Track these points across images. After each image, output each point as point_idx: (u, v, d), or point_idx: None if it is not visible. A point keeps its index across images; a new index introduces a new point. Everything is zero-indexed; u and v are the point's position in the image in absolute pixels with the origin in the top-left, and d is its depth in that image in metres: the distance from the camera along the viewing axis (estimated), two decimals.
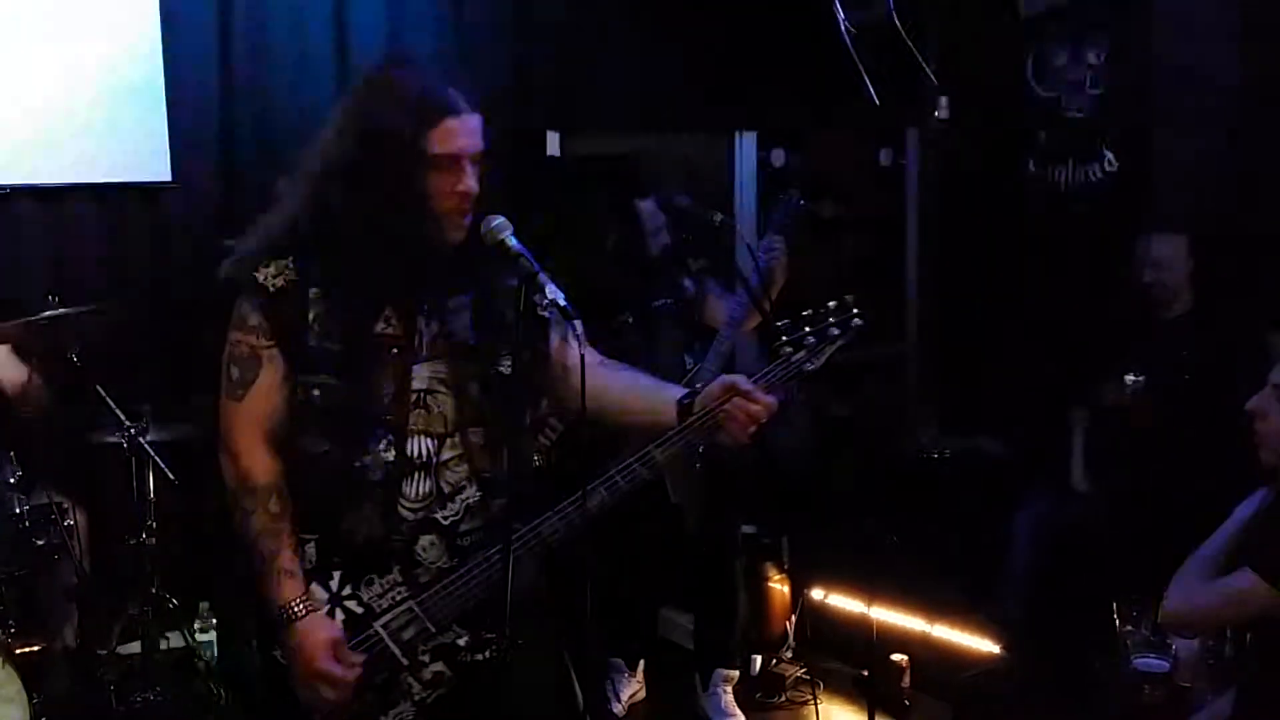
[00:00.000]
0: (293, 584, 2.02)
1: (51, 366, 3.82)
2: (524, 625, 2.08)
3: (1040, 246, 5.00)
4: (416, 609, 2.06)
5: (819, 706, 3.84)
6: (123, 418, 3.65)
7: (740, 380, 2.05)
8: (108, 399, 3.63)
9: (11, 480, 3.49)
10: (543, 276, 1.95)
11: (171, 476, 3.65)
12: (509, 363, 2.08)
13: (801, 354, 2.03)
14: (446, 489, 2.06)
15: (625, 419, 2.22)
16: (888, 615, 4.08)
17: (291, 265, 2.02)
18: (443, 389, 2.07)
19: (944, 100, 5.32)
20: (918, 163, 5.63)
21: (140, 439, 3.66)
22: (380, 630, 2.06)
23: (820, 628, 4.31)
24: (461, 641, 2.10)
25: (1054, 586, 3.88)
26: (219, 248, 4.34)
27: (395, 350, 2.05)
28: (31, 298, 3.86)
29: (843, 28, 4.93)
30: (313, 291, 2.02)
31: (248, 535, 2.04)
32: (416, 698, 2.09)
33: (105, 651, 3.90)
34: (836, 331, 2.02)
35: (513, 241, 2.00)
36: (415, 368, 2.06)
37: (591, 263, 3.69)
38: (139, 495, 3.79)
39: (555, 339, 2.19)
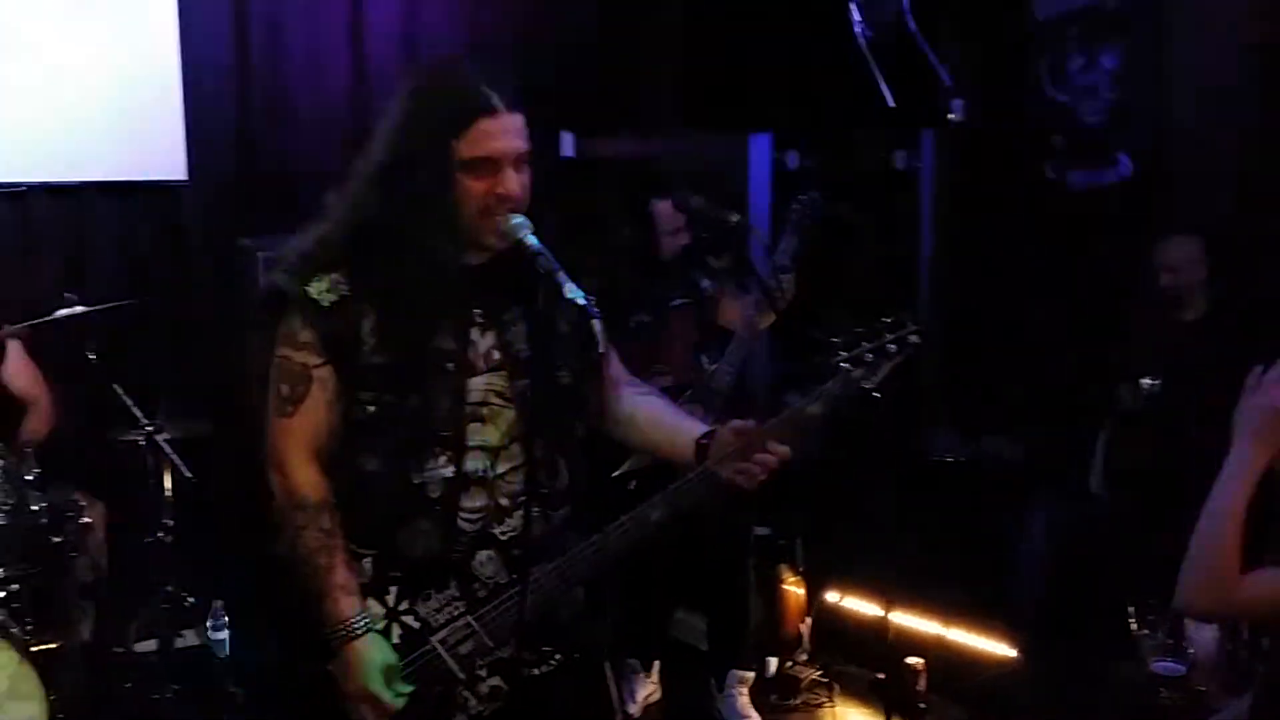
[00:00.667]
0: (349, 601, 1.99)
1: (68, 364, 3.84)
2: (575, 642, 2.10)
3: (1054, 251, 4.99)
4: (474, 624, 2.04)
5: (846, 710, 3.83)
6: (139, 416, 3.66)
7: (751, 426, 2.04)
8: (124, 396, 3.64)
9: (29, 477, 3.49)
10: (561, 275, 1.92)
11: (188, 474, 3.66)
12: (567, 373, 2.06)
13: (860, 371, 2.01)
14: (505, 503, 2.04)
15: (646, 448, 2.24)
16: (903, 618, 4.07)
17: (343, 279, 1.98)
18: (499, 401, 2.04)
19: (958, 103, 5.31)
20: (933, 166, 5.61)
21: (157, 436, 3.66)
22: (437, 645, 2.04)
23: (835, 630, 4.30)
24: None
25: (1069, 590, 3.87)
26: (233, 247, 4.44)
27: (450, 365, 2.01)
28: (47, 295, 3.88)
29: (857, 30, 4.95)
30: (365, 307, 1.98)
31: (299, 552, 2.02)
32: (473, 712, 2.07)
33: (121, 650, 3.91)
34: (894, 348, 2.00)
35: (531, 240, 1.96)
36: (471, 380, 2.02)
37: (607, 263, 3.70)
38: (155, 493, 3.78)
39: (605, 357, 2.15)
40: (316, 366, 2.00)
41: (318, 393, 2.01)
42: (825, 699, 4.01)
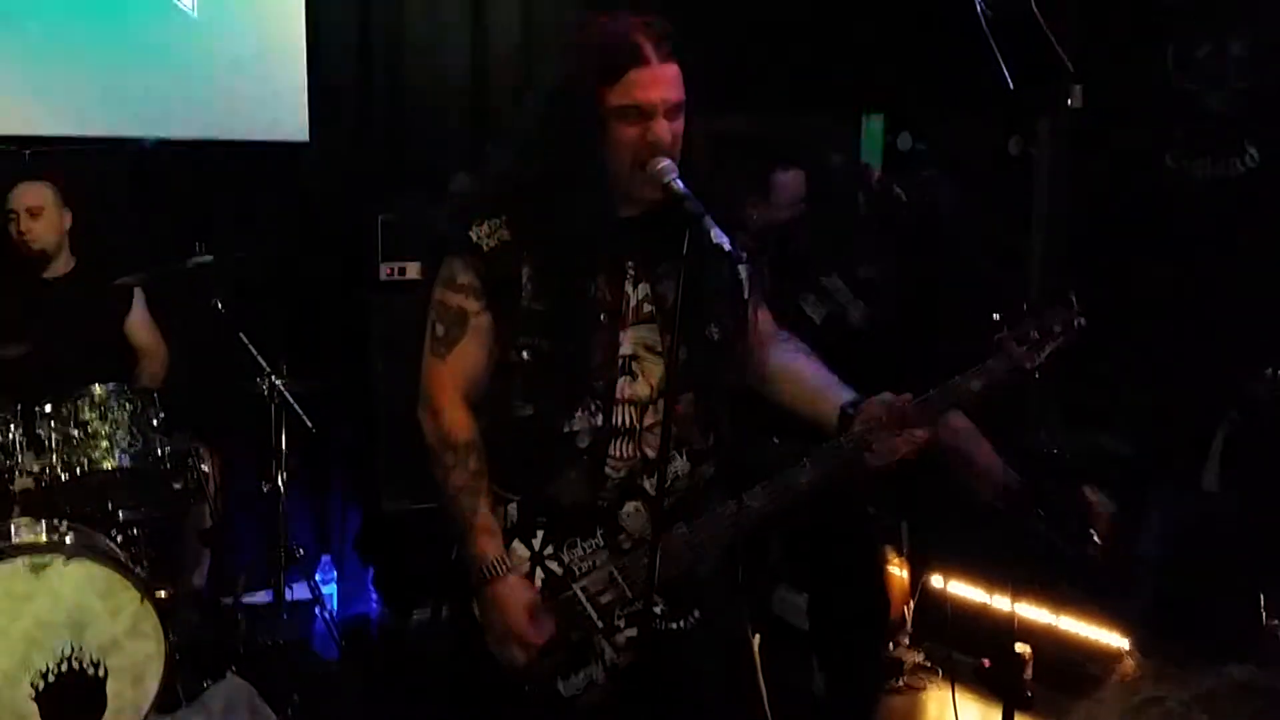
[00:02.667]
0: (492, 542, 2.02)
1: (192, 315, 3.92)
2: (716, 600, 2.10)
3: (1175, 240, 4.86)
4: (616, 574, 2.05)
5: (949, 694, 3.77)
6: (265, 366, 3.72)
7: (904, 404, 2.01)
8: (250, 347, 3.70)
9: (155, 422, 3.57)
10: (708, 220, 1.89)
11: (310, 424, 3.71)
12: (717, 329, 2.05)
13: (1023, 350, 1.99)
14: (652, 455, 2.02)
15: (790, 407, 2.21)
16: (1009, 605, 4.00)
17: (504, 225, 2.00)
18: (649, 355, 2.04)
19: (1078, 89, 5.19)
20: (1049, 152, 5.49)
21: (280, 386, 3.72)
22: (579, 592, 2.05)
23: (939, 614, 4.24)
24: (658, 609, 2.06)
25: (1187, 584, 3.77)
26: (352, 207, 4.50)
27: (604, 316, 2.02)
28: (169, 249, 3.97)
29: (979, 9, 4.86)
30: (525, 253, 2.00)
31: (446, 491, 2.04)
32: (608, 662, 2.08)
33: (231, 599, 3.99)
34: (1059, 330, 1.98)
35: (678, 184, 1.95)
36: (622, 333, 2.03)
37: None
38: (274, 443, 3.84)
39: (753, 308, 2.12)
40: (474, 309, 2.02)
41: (474, 335, 2.03)
42: (928, 682, 3.96)
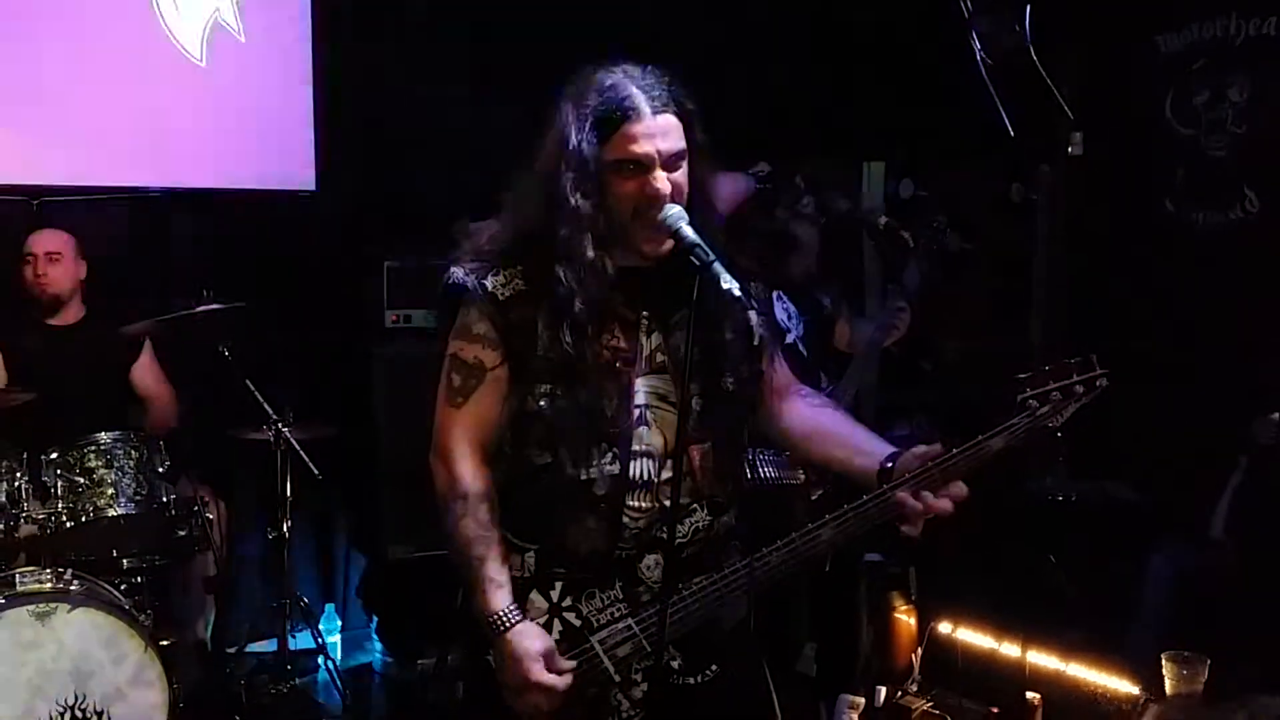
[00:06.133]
0: (501, 594, 1.99)
1: (199, 362, 3.93)
2: (736, 654, 2.07)
3: (1177, 285, 4.88)
4: (635, 628, 2.02)
5: None
6: (271, 413, 3.72)
7: (937, 451, 1.99)
8: (256, 393, 3.71)
9: (160, 469, 3.56)
10: (718, 266, 1.89)
11: (316, 472, 3.71)
12: (732, 379, 2.04)
13: (1046, 409, 1.98)
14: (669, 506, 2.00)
15: (827, 465, 2.20)
16: (1018, 652, 3.97)
17: (520, 274, 2.01)
18: (663, 405, 2.03)
19: (1078, 136, 5.23)
20: (1049, 198, 5.52)
21: (287, 434, 3.72)
22: (596, 645, 2.02)
23: (947, 661, 4.20)
24: (675, 664, 2.04)
25: (1191, 637, 3.75)
26: (358, 255, 4.52)
27: (618, 364, 2.01)
28: (179, 297, 3.98)
29: (979, 58, 4.92)
30: (541, 302, 1.99)
31: (457, 542, 2.02)
32: (625, 716, 2.05)
33: (235, 648, 3.96)
34: (1081, 389, 1.98)
35: (687, 231, 1.94)
36: (637, 382, 2.02)
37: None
38: (279, 491, 3.83)
39: (768, 357, 2.13)
40: (491, 360, 2.02)
41: (489, 385, 2.02)
42: None
